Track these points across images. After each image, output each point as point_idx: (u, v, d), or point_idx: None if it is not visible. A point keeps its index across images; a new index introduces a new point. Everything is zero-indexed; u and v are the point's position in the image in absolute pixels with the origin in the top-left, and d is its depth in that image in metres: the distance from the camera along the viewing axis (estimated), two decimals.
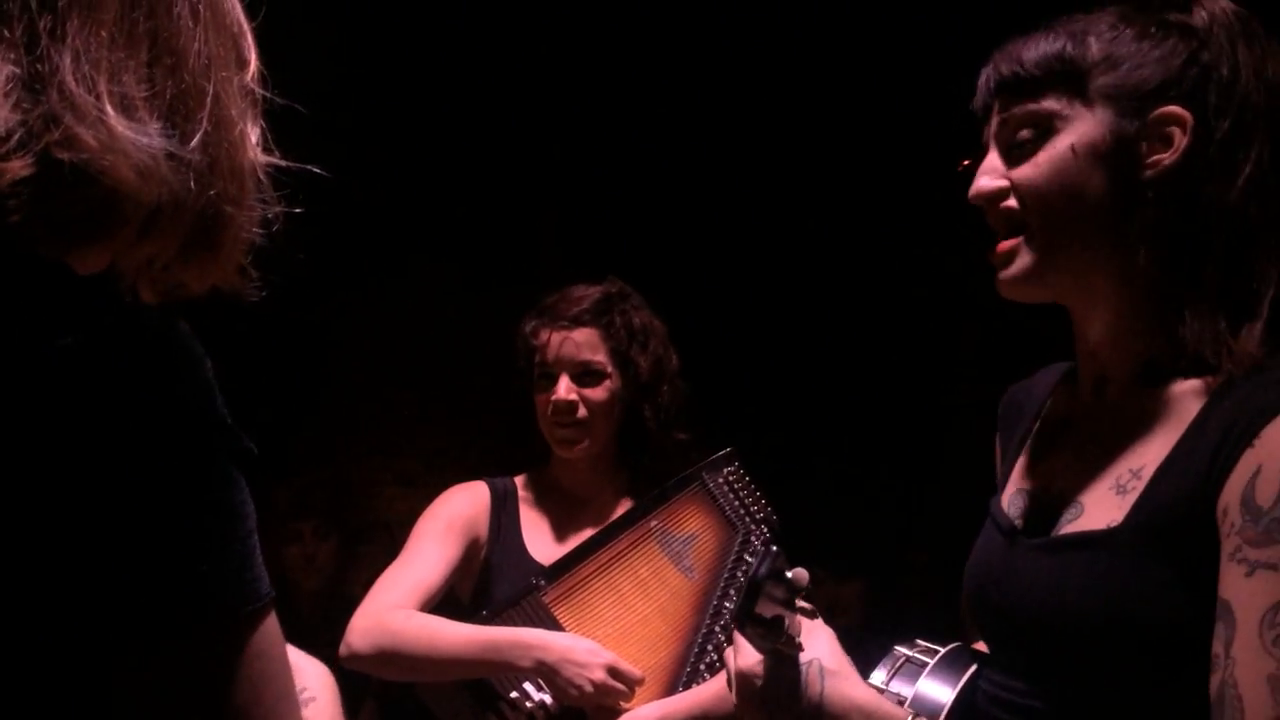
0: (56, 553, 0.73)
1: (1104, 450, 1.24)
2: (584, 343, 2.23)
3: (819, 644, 1.28)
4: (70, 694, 0.76)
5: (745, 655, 1.30)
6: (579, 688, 2.02)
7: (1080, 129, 1.22)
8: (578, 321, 2.22)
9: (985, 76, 1.29)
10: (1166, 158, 1.20)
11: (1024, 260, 1.25)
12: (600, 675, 2.03)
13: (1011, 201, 1.25)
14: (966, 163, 1.32)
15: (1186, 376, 1.19)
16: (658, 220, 4.54)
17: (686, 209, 4.58)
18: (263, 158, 0.93)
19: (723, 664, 2.15)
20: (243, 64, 0.91)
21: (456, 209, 4.58)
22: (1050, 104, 1.23)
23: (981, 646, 1.42)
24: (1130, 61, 1.22)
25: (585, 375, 2.23)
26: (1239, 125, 1.20)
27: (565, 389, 2.21)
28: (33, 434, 0.73)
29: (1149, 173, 1.20)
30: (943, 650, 1.39)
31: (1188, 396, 1.19)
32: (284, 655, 0.81)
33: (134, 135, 0.80)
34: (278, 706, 0.79)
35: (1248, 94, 1.20)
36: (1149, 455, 1.19)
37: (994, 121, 1.28)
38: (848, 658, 1.30)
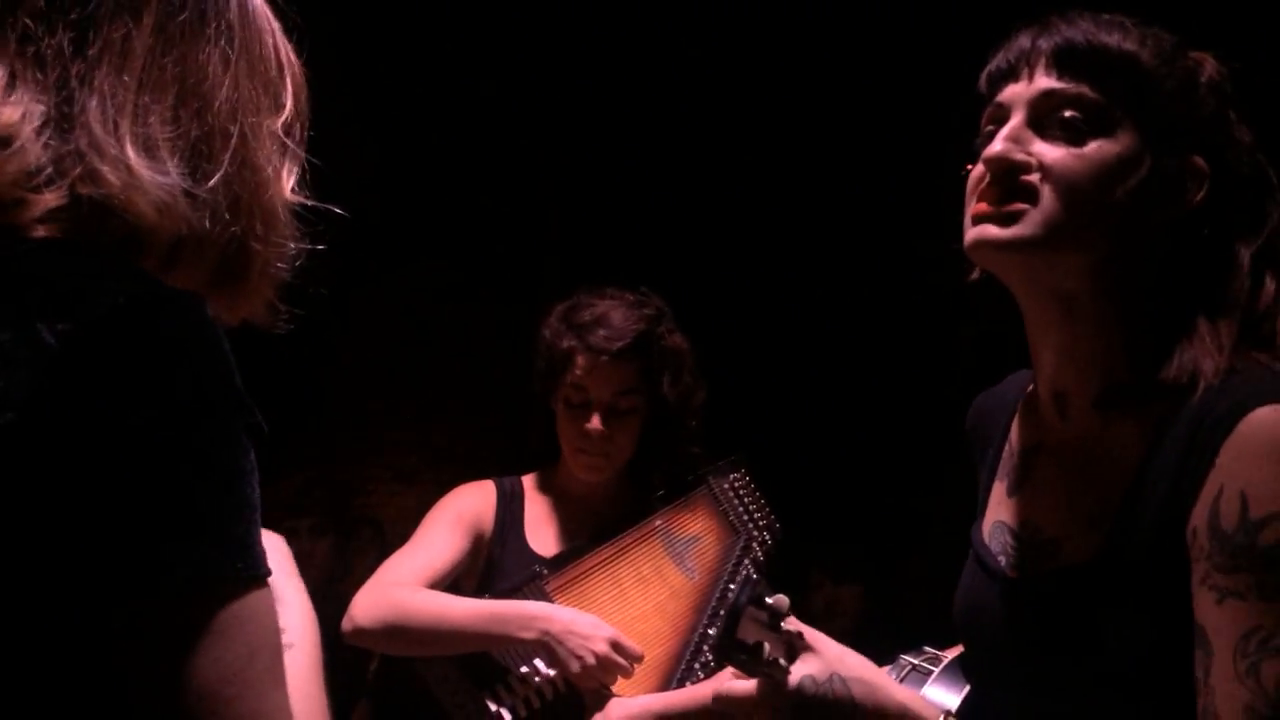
0: (60, 490, 0.77)
1: (1074, 481, 1.23)
2: (623, 376, 2.20)
3: (814, 661, 1.26)
4: (62, 648, 0.78)
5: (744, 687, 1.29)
6: (581, 659, 2.02)
7: (1128, 142, 1.18)
8: (620, 356, 2.19)
9: (1037, 38, 1.21)
10: (1180, 206, 1.19)
11: (1029, 228, 1.16)
12: (603, 648, 2.03)
13: (1032, 177, 1.17)
14: (970, 168, 1.27)
15: (1145, 401, 1.18)
16: (661, 223, 4.54)
17: (690, 213, 4.58)
18: (293, 197, 0.98)
19: (718, 665, 2.16)
20: (278, 108, 0.97)
21: (460, 209, 4.58)
22: (1113, 100, 1.18)
23: None
24: (1181, 96, 1.20)
25: (619, 408, 2.21)
26: (1241, 193, 1.20)
27: (600, 421, 2.20)
28: (57, 394, 0.77)
29: (1165, 213, 1.19)
30: (947, 657, 1.40)
31: (1147, 421, 1.17)
32: (272, 636, 0.83)
33: (152, 174, 0.86)
34: (256, 680, 0.80)
35: (1250, 164, 1.21)
36: (1117, 485, 1.17)
37: (1034, 85, 1.20)
38: (869, 662, 1.29)
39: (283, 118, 0.97)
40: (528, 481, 2.36)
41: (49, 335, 0.78)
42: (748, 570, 2.24)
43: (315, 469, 4.17)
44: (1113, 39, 1.19)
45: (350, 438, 4.73)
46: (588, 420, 2.20)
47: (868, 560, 4.38)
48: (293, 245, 0.97)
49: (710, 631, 2.21)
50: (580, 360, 2.20)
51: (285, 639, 1.06)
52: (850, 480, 4.59)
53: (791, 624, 1.26)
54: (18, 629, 0.78)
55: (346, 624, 2.12)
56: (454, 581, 2.24)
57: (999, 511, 1.33)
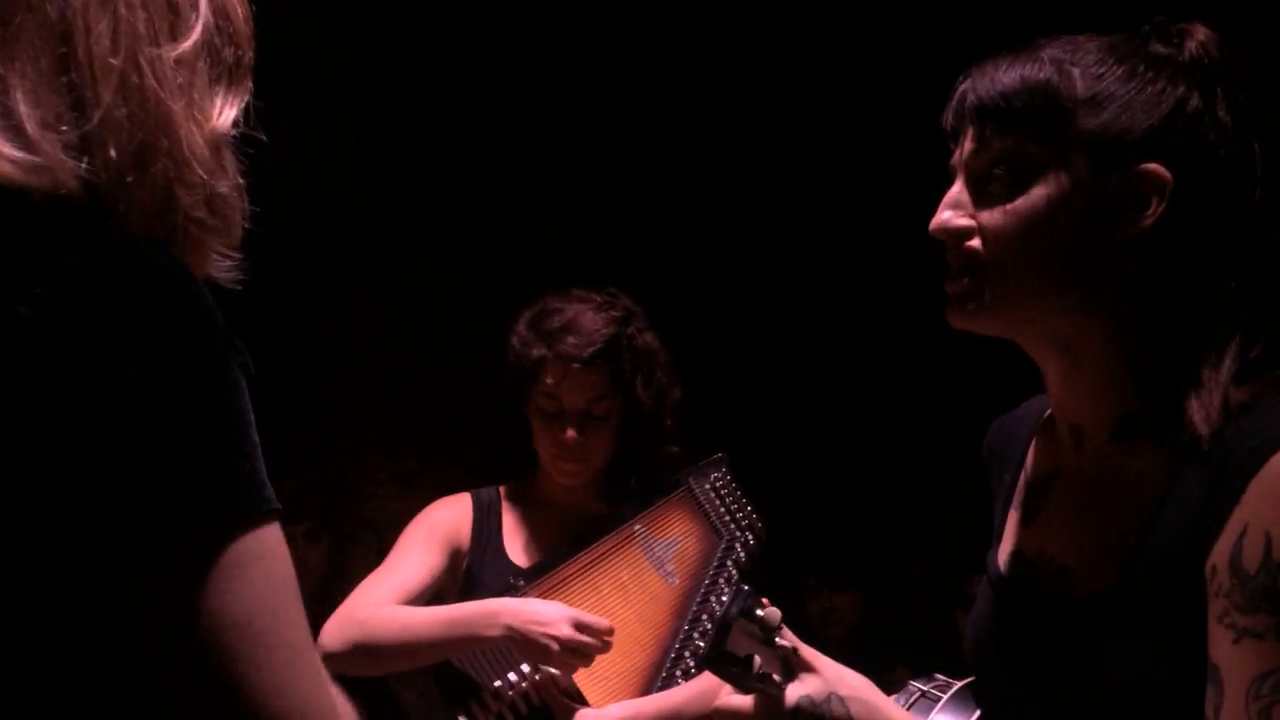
0: (62, 449, 0.76)
1: (1091, 511, 1.21)
2: (595, 382, 2.16)
3: (812, 681, 1.24)
4: (74, 594, 0.77)
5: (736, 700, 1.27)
6: (544, 647, 1.99)
7: (1058, 179, 1.14)
8: (591, 363, 2.15)
9: (960, 95, 1.20)
10: (1144, 220, 1.14)
11: (980, 302, 1.17)
12: (566, 631, 2.00)
13: (975, 243, 1.17)
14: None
15: (1163, 432, 1.14)
16: (659, 226, 4.53)
17: (689, 215, 4.57)
18: (224, 128, 0.91)
19: (698, 670, 2.14)
20: (180, 33, 0.89)
21: (457, 211, 4.58)
22: (1029, 145, 1.15)
23: None
24: (1116, 107, 1.14)
25: (593, 414, 2.18)
26: (1221, 184, 1.14)
27: (575, 430, 2.17)
28: (42, 338, 0.76)
29: (1124, 233, 1.14)
30: (957, 685, 1.38)
31: (1167, 453, 1.14)
32: (288, 568, 0.82)
33: (4, 132, 0.82)
34: (282, 611, 0.80)
35: (1234, 147, 1.15)
36: (1134, 517, 1.15)
37: (966, 147, 1.20)
38: (869, 682, 1.27)
39: (188, 43, 0.89)
40: (505, 491, 2.33)
41: (21, 304, 0.76)
42: (738, 582, 2.19)
43: (311, 473, 4.15)
44: (1018, 80, 1.16)
45: (347, 441, 4.72)
46: (562, 429, 2.17)
47: (865, 566, 4.37)
48: (224, 184, 0.90)
49: (694, 635, 2.18)
50: (551, 369, 2.16)
51: None
52: (848, 483, 4.58)
53: (788, 639, 1.24)
54: (37, 595, 0.77)
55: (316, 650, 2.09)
56: (434, 597, 2.21)
57: (1014, 540, 1.30)
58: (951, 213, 1.19)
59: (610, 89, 4.42)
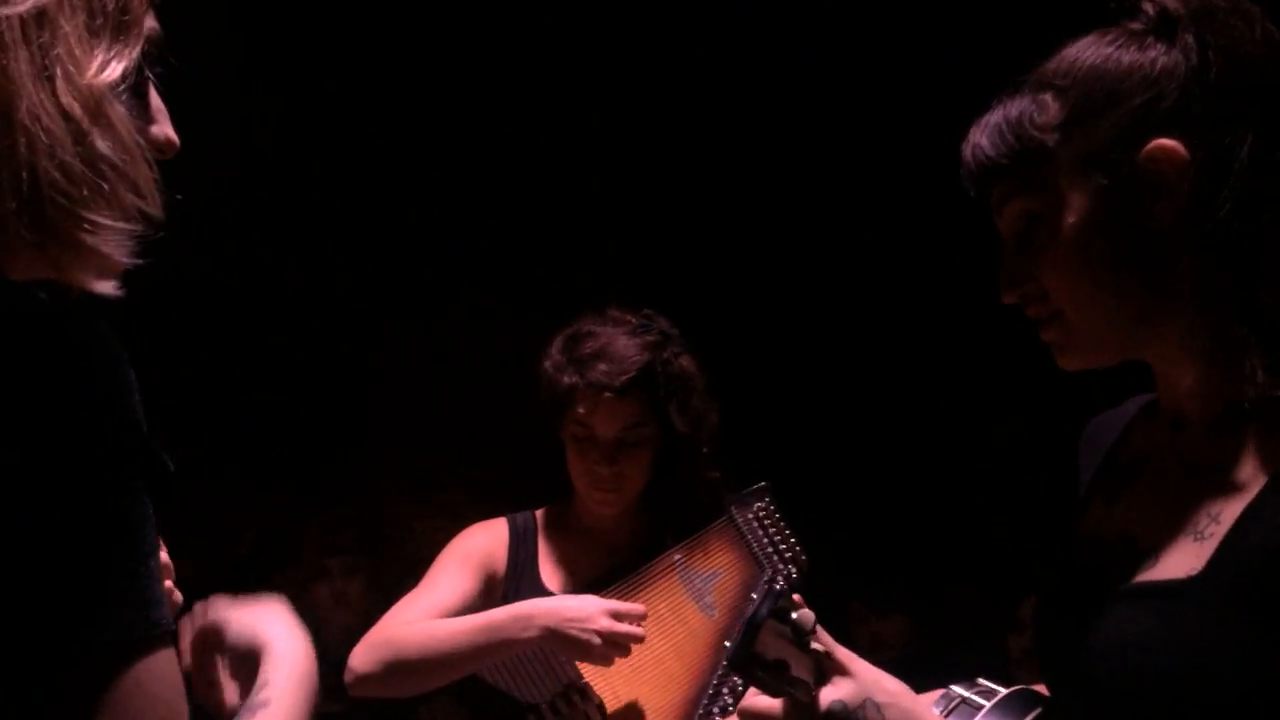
0: None
1: (1181, 493, 1.16)
2: (628, 411, 2.12)
3: (846, 685, 1.19)
4: None
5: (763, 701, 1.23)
6: (585, 643, 1.95)
7: (1073, 207, 1.13)
8: (624, 392, 2.10)
9: (963, 167, 1.21)
10: (1176, 197, 1.10)
11: (1072, 347, 1.18)
12: (604, 623, 1.96)
13: (1041, 299, 1.18)
14: None
15: (1272, 416, 1.09)
16: (709, 250, 4.52)
17: (738, 237, 4.56)
18: (107, 82, 0.81)
19: (735, 708, 2.10)
20: None
21: (504, 239, 4.59)
22: (1030, 195, 1.15)
23: (1044, 688, 1.34)
24: (1096, 108, 1.12)
25: (627, 442, 2.14)
26: (1233, 126, 1.09)
27: (608, 460, 2.13)
28: None
29: (1164, 217, 1.11)
30: (1003, 691, 1.33)
31: (1274, 438, 1.09)
32: (177, 696, 0.75)
33: None
34: None
35: (1233, 84, 1.10)
36: (1230, 500, 1.10)
37: (994, 212, 1.20)
38: (906, 687, 1.23)
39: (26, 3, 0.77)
40: (541, 516, 2.29)
41: None
42: (769, 581, 2.16)
43: (352, 504, 4.15)
44: (994, 135, 1.17)
45: (390, 471, 4.72)
46: (595, 459, 2.13)
47: (912, 590, 4.32)
48: (104, 143, 0.79)
49: (733, 672, 2.13)
50: (582, 397, 2.11)
51: (263, 695, 1.01)
52: (892, 505, 4.54)
53: (822, 642, 1.20)
54: None
55: (347, 676, 2.05)
56: None
57: (1094, 522, 1.27)
58: (1010, 287, 1.20)
59: (664, 112, 4.42)
